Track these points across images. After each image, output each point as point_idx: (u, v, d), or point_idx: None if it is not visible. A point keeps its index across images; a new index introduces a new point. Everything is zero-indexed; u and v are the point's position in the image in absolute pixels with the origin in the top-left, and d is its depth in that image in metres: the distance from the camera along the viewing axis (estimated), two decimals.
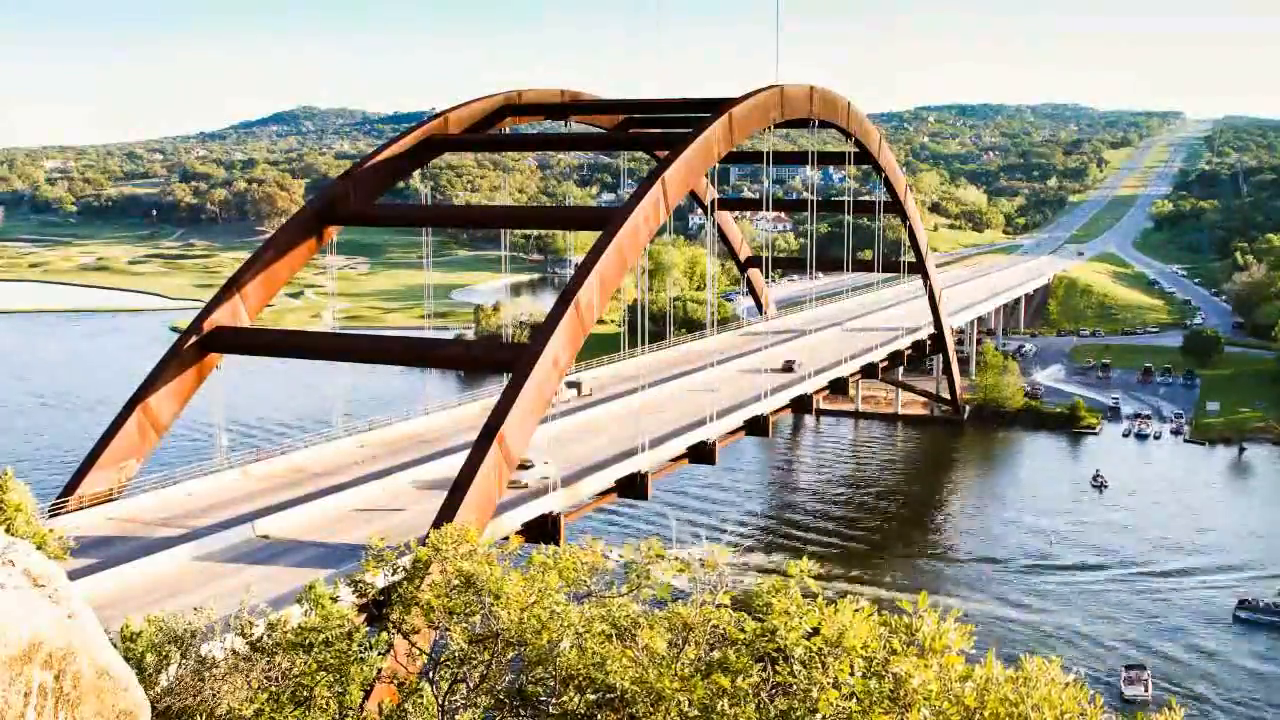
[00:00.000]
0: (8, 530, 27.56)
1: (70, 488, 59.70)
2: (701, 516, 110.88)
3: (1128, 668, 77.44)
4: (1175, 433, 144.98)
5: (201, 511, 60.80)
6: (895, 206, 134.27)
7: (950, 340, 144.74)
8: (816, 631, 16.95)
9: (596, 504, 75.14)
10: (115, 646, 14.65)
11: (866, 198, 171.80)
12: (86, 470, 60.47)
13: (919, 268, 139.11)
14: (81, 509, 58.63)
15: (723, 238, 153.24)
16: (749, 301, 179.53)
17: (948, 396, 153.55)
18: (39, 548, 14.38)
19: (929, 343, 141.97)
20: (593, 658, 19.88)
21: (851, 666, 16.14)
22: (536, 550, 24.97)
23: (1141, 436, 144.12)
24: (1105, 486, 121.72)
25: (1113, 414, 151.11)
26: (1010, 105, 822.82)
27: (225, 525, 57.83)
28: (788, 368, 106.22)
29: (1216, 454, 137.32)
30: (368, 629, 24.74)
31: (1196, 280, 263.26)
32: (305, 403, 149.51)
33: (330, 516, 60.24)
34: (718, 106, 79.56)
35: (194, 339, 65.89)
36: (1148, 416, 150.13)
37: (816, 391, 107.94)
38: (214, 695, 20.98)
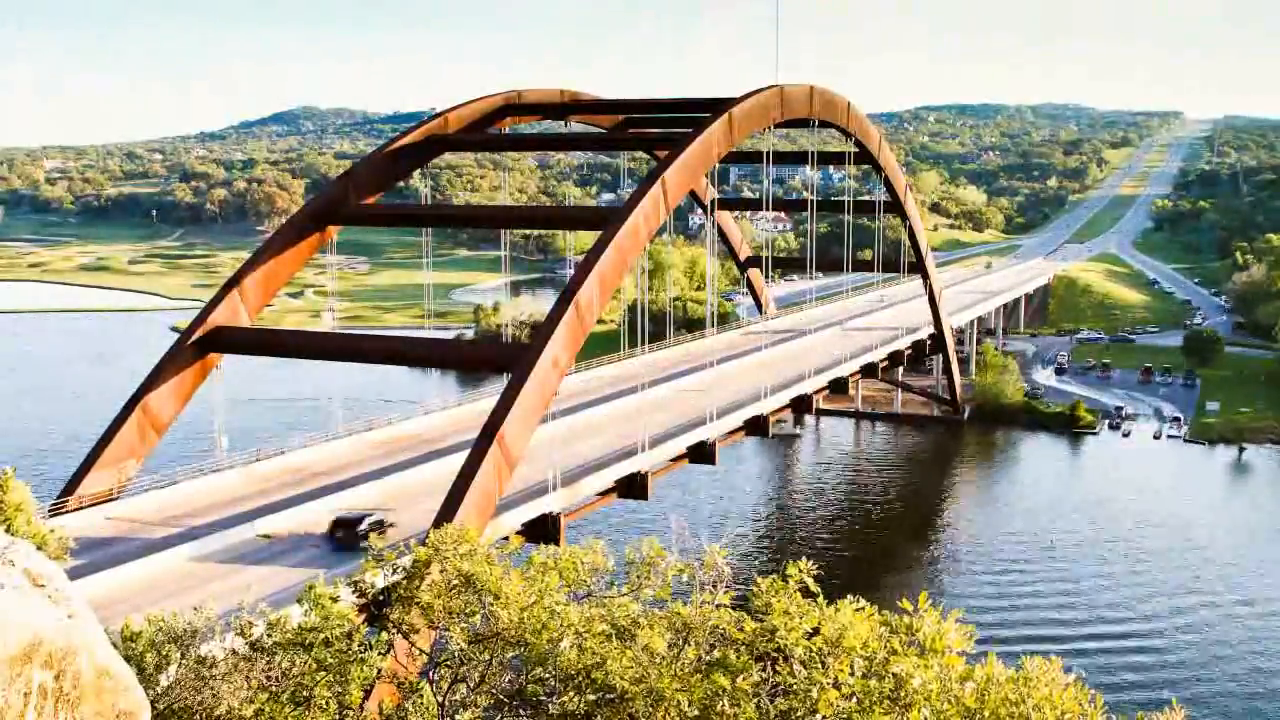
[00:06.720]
0: (8, 530, 27.57)
1: (70, 488, 59.63)
2: (701, 516, 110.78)
3: None
4: (1170, 436, 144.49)
5: (201, 511, 60.78)
6: (895, 206, 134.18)
7: (950, 340, 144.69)
8: (817, 631, 16.94)
9: (597, 504, 75.06)
10: (115, 646, 14.63)
11: (866, 198, 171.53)
12: (86, 470, 60.40)
13: (919, 268, 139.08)
14: (81, 509, 58.59)
15: (723, 238, 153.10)
16: (749, 301, 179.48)
17: (947, 396, 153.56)
18: (39, 548, 14.38)
19: (929, 343, 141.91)
20: (592, 657, 19.86)
21: (851, 666, 16.13)
22: (537, 550, 24.96)
23: (1127, 434, 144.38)
24: None
25: (1116, 415, 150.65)
26: (1010, 105, 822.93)
27: (225, 525, 57.82)
28: None
29: (1216, 454, 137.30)
30: (368, 629, 24.73)
31: (1196, 280, 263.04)
32: (304, 402, 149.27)
33: (330, 516, 60.18)
34: (718, 106, 79.47)
35: (194, 339, 65.87)
36: (1140, 416, 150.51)
37: (816, 391, 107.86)
38: (214, 695, 20.98)
